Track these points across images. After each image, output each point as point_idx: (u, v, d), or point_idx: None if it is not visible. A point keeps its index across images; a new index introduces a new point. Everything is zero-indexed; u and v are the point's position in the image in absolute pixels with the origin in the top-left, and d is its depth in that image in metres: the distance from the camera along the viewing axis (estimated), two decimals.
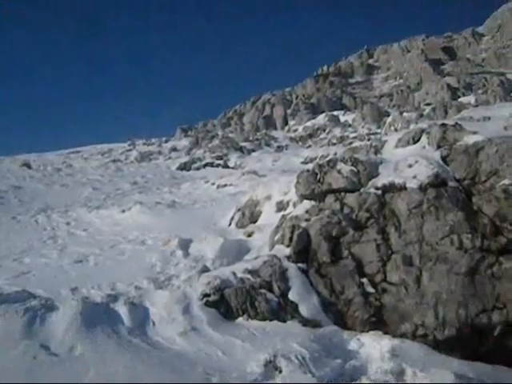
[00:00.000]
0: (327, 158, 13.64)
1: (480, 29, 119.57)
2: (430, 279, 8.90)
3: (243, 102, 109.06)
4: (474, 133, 10.30)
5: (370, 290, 9.06)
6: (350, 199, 10.17)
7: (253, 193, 15.61)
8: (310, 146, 57.35)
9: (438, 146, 10.68)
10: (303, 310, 8.78)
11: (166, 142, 69.79)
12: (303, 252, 9.71)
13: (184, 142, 64.46)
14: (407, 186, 9.76)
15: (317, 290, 9.19)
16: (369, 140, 38.05)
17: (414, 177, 9.80)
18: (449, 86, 76.80)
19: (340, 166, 10.86)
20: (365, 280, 9.18)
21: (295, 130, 73.10)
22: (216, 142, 57.75)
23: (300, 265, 9.50)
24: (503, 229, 9.06)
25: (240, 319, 8.46)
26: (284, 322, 8.46)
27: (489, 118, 11.23)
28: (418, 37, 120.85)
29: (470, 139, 10.15)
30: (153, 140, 71.25)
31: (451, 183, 9.67)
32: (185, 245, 12.92)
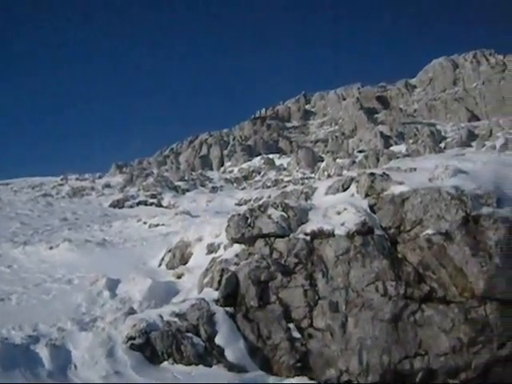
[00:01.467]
0: (261, 201, 13.76)
1: (413, 80, 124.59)
2: (355, 325, 9.03)
3: (180, 141, 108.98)
4: (401, 183, 10.62)
5: (297, 335, 9.11)
6: (280, 244, 10.26)
7: (185, 234, 15.50)
8: (244, 188, 57.75)
9: (366, 195, 10.95)
10: (229, 355, 8.72)
11: (100, 177, 68.67)
12: (232, 296, 9.69)
13: (118, 179, 63.60)
14: (335, 232, 9.94)
15: (244, 335, 9.16)
16: (302, 184, 38.65)
17: (342, 224, 9.99)
18: (382, 134, 79.27)
19: (271, 210, 10.98)
20: (292, 325, 9.22)
21: (231, 171, 73.51)
22: (151, 180, 57.26)
23: (228, 309, 9.48)
24: (426, 277, 9.33)
25: (165, 363, 8.34)
26: (210, 366, 8.40)
27: (415, 169, 11.60)
28: (354, 85, 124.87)
29: (396, 189, 10.46)
30: (86, 175, 69.88)
31: (377, 231, 9.91)
32: (112, 285, 12.63)
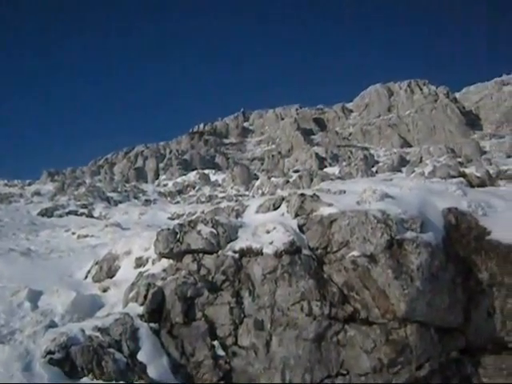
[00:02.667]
0: (193, 217, 13.70)
1: (350, 105, 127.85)
2: (279, 344, 9.06)
3: (116, 151, 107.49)
4: (330, 205, 10.81)
5: (221, 353, 9.06)
6: (208, 261, 10.22)
7: (113, 246, 15.22)
8: (178, 202, 57.42)
9: (296, 215, 11.08)
10: (152, 372, 8.58)
11: (30, 184, 66.86)
12: (157, 311, 9.56)
13: (49, 187, 62.08)
14: (264, 251, 9.97)
15: (167, 352, 9.04)
16: (236, 201, 38.76)
17: (271, 243, 10.05)
18: (317, 155, 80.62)
19: (200, 226, 10.93)
20: (216, 343, 9.17)
21: (165, 185, 73.01)
22: (83, 189, 56.19)
23: (152, 324, 9.33)
24: (350, 298, 9.50)
25: (85, 379, 8.11)
26: (131, 383, 8.22)
27: (344, 192, 11.84)
28: (293, 106, 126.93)
29: (325, 210, 10.64)
30: (15, 181, 67.86)
31: (305, 251, 10.02)
32: (34, 297, 12.23)
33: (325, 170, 65.52)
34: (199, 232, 10.79)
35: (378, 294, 9.32)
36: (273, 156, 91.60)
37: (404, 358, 8.96)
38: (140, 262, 12.74)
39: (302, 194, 11.49)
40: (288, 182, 53.23)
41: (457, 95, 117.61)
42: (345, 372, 8.92)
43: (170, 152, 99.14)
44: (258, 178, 64.04)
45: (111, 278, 13.61)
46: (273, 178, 56.77)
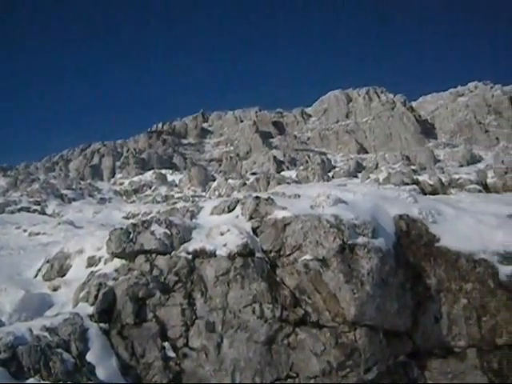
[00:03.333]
0: (149, 216, 13.59)
1: (309, 109, 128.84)
2: (230, 346, 9.07)
3: (72, 148, 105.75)
4: (284, 208, 10.89)
5: (171, 354, 9.02)
6: (161, 261, 10.15)
7: (65, 244, 14.95)
8: (134, 202, 56.87)
9: (251, 217, 11.12)
10: (100, 373, 8.48)
11: None
12: (107, 312, 9.45)
13: (1, 182, 60.60)
14: (217, 253, 9.98)
15: (117, 353, 8.94)
16: (193, 202, 38.62)
17: (225, 245, 10.06)
18: (275, 158, 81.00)
19: (154, 227, 10.86)
20: (167, 344, 9.12)
21: (121, 184, 72.17)
22: (36, 186, 55.05)
23: (102, 325, 9.22)
24: (302, 301, 9.58)
25: (32, 380, 7.94)
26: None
27: (299, 196, 11.94)
28: (252, 109, 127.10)
29: (279, 214, 10.71)
30: None
31: (258, 254, 10.07)
32: None
33: (282, 173, 65.84)
34: (153, 232, 10.71)
35: (329, 298, 9.43)
36: (231, 158, 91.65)
37: (353, 361, 9.09)
38: (92, 262, 12.55)
39: (257, 197, 11.54)
40: (245, 184, 53.31)
41: (413, 104, 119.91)
42: (294, 375, 9.00)
43: (128, 150, 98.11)
44: (215, 180, 63.89)
45: (62, 276, 13.37)
46: (230, 180, 56.77)
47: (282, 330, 9.23)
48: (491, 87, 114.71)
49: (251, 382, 8.80)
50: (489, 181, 28.55)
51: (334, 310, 9.39)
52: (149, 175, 73.86)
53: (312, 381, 8.94)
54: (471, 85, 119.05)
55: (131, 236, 10.82)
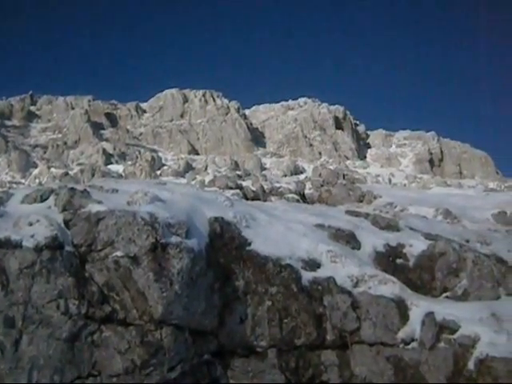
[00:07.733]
0: None
1: (144, 105, 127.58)
2: (29, 343, 8.65)
3: None
4: (99, 202, 10.63)
5: None
6: None
7: None
8: None
9: (64, 209, 10.68)
10: None
11: None
12: None
13: None
14: (23, 244, 9.44)
15: None
16: (9, 188, 36.42)
17: (32, 236, 9.55)
18: (104, 151, 79.20)
19: None
20: None
21: None
22: None
23: None
24: (110, 298, 9.42)
25: None
26: None
27: (117, 191, 11.74)
28: (86, 97, 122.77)
29: (94, 208, 10.42)
30: None
31: (68, 248, 9.70)
32: None
33: (110, 166, 64.59)
34: None
35: (137, 296, 9.39)
36: (57, 146, 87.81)
37: (157, 359, 9.12)
38: None
39: (72, 189, 11.14)
40: (68, 174, 51.42)
41: (247, 112, 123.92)
42: (96, 373, 8.83)
43: None
44: (37, 167, 60.85)
45: None
46: (53, 169, 54.51)
47: (87, 328, 9.01)
48: (319, 105, 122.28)
49: (49, 382, 8.48)
50: (306, 192, 30.24)
51: (141, 308, 9.36)
52: None
53: (114, 379, 8.84)
54: (301, 100, 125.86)
55: None
